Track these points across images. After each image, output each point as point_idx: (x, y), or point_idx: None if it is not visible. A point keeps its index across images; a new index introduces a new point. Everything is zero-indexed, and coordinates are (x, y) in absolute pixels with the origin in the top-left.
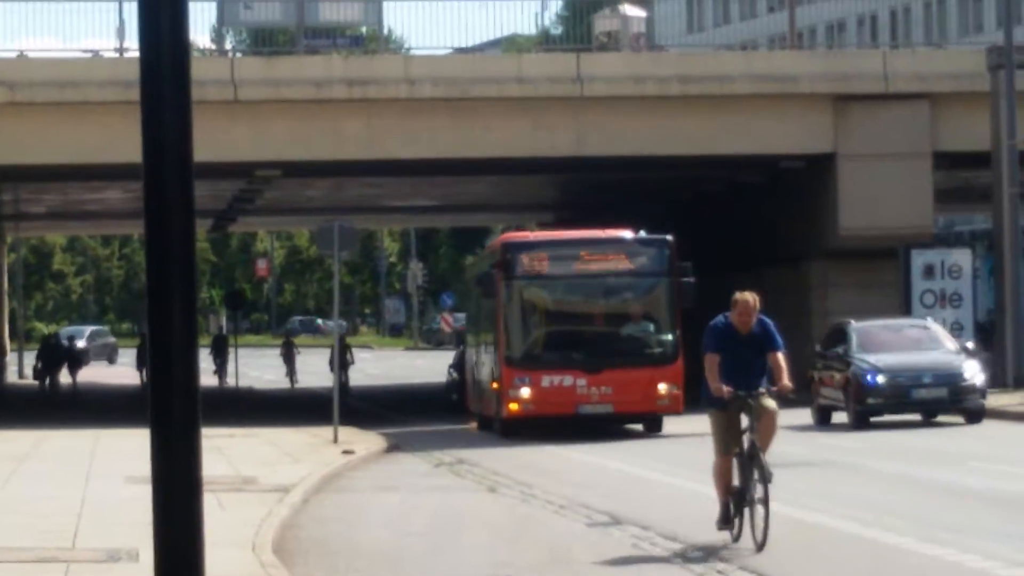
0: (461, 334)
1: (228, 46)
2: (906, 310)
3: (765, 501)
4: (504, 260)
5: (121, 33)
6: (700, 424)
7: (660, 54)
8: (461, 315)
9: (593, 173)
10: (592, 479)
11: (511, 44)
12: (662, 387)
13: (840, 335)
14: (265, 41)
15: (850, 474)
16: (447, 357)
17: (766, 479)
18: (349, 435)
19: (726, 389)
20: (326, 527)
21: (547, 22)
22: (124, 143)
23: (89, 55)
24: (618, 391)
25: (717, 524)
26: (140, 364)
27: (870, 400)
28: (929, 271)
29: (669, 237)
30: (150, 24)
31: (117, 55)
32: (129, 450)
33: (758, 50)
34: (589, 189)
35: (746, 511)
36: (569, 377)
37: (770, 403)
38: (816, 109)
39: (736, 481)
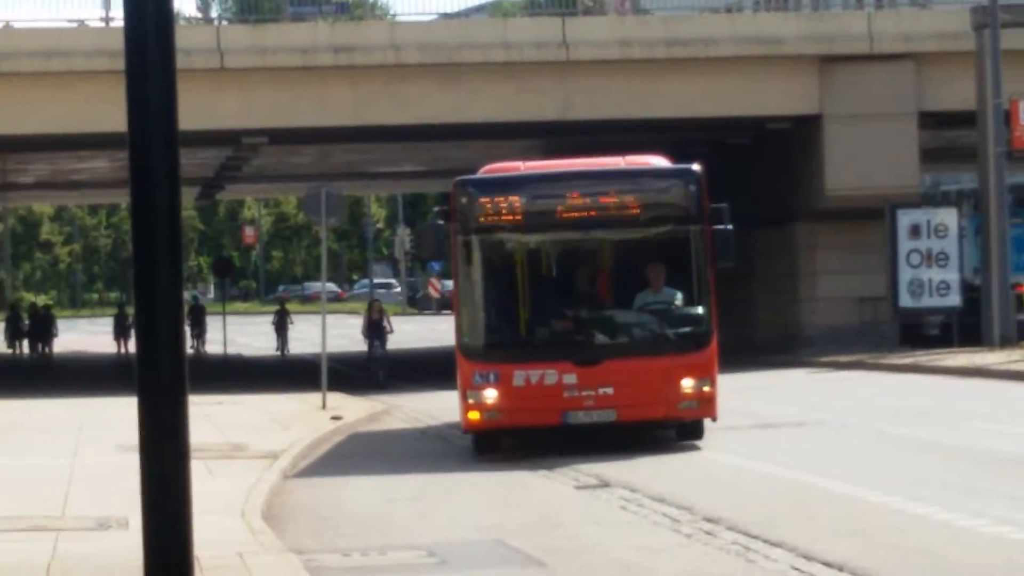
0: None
1: (214, 14)
2: (892, 269)
3: None
4: (458, 206)
5: (107, 1)
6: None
7: (645, 17)
8: (450, 281)
9: (579, 137)
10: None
11: (497, 9)
12: (688, 383)
13: None
14: (251, 9)
15: (841, 434)
16: (434, 322)
17: None
18: (338, 401)
19: None
20: (315, 493)
21: None
22: (111, 112)
23: (75, 24)
24: (624, 390)
25: None
26: (118, 333)
27: None
28: (915, 231)
29: (697, 167)
30: None
31: (103, 24)
32: (118, 418)
33: (743, 12)
34: (576, 152)
35: None
36: (553, 372)
37: None
38: (802, 70)
39: None
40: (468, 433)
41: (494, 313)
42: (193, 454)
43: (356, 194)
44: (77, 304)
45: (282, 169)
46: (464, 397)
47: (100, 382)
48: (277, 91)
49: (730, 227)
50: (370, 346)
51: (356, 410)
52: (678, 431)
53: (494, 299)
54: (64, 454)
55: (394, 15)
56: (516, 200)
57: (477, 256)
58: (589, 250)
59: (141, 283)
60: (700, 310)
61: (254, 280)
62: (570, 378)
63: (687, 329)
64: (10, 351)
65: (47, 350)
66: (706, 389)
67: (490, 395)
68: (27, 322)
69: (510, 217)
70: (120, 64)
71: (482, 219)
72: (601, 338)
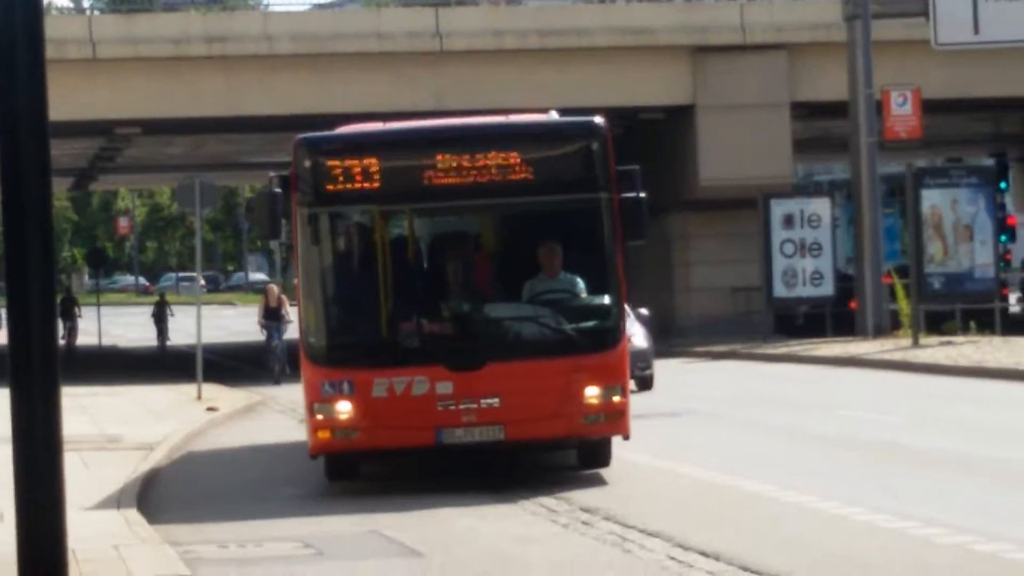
0: None
1: (86, 4)
2: (766, 259)
3: None
4: (300, 171)
5: None
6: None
7: (518, 8)
8: None
9: None
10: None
11: None
12: (592, 392)
13: None
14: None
15: (714, 424)
16: None
17: None
18: (214, 392)
19: None
20: (191, 484)
21: None
22: None
23: None
24: (512, 401)
25: None
26: None
27: None
28: (788, 220)
29: (600, 120)
30: None
31: None
32: None
33: (616, 3)
34: None
35: None
36: (423, 379)
37: None
38: (674, 61)
39: None
40: (317, 457)
41: (347, 306)
42: (67, 446)
43: (230, 184)
44: None
45: (156, 159)
46: (310, 412)
47: None
48: (150, 81)
49: (642, 195)
50: (268, 336)
51: (232, 401)
52: (580, 456)
53: (347, 289)
54: None
55: (267, 5)
56: (373, 163)
57: (325, 234)
58: (467, 226)
59: (12, 274)
60: (606, 300)
61: (128, 272)
62: (444, 387)
63: (590, 324)
64: None
65: None
66: (616, 399)
67: (343, 409)
68: None
69: (366, 184)
70: None
71: (331, 187)
72: (483, 337)
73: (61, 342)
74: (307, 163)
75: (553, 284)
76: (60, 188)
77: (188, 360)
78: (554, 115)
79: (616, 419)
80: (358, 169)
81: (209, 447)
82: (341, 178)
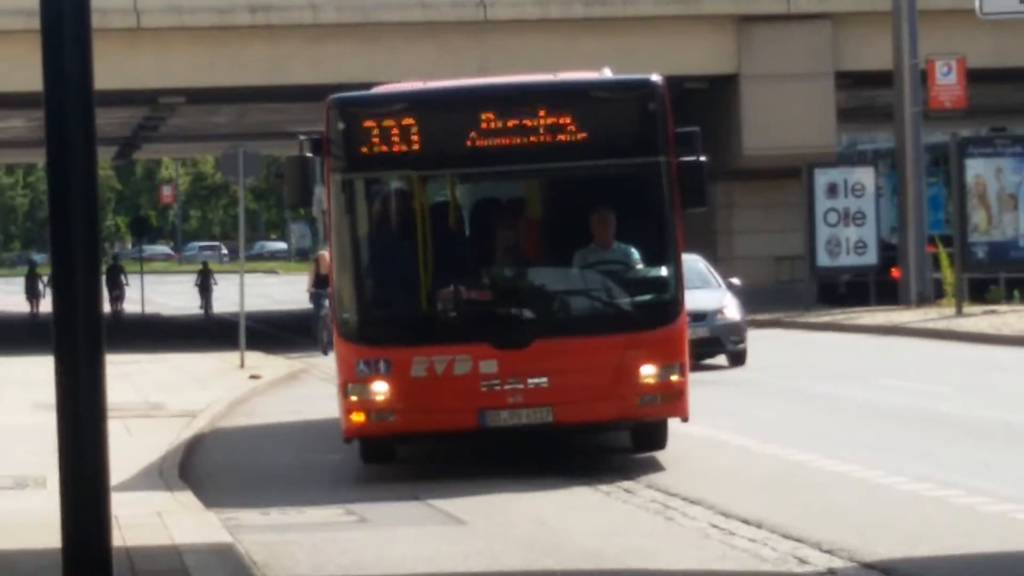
0: None
1: None
2: (810, 229)
3: None
4: (333, 133)
5: None
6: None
7: None
8: None
9: None
10: None
11: None
12: (649, 371)
13: None
14: None
15: (756, 393)
16: None
17: None
18: (257, 360)
19: None
20: (233, 451)
21: None
22: (27, 72)
23: None
24: (562, 381)
25: None
26: (30, 293)
27: None
28: (832, 190)
29: (657, 77)
30: None
31: None
32: (34, 377)
33: None
34: None
35: None
36: (465, 358)
37: None
38: (719, 30)
39: None
40: (350, 441)
41: (384, 280)
42: (111, 413)
43: (274, 154)
44: None
45: (200, 129)
46: (344, 392)
47: (14, 341)
48: (194, 51)
49: (702, 159)
50: (317, 305)
51: (275, 369)
52: (633, 438)
53: (383, 261)
54: None
55: None
56: (412, 124)
57: (360, 201)
58: (513, 193)
59: (57, 243)
60: (664, 272)
61: (171, 239)
62: (489, 366)
63: (646, 297)
64: None
65: None
66: (674, 378)
67: (379, 390)
68: None
69: (404, 147)
70: (36, 24)
71: (366, 150)
72: (530, 312)
73: (108, 309)
74: (340, 124)
75: (606, 255)
76: (104, 157)
77: (231, 328)
78: (607, 73)
79: (674, 399)
80: (395, 130)
81: (251, 414)
82: (377, 140)
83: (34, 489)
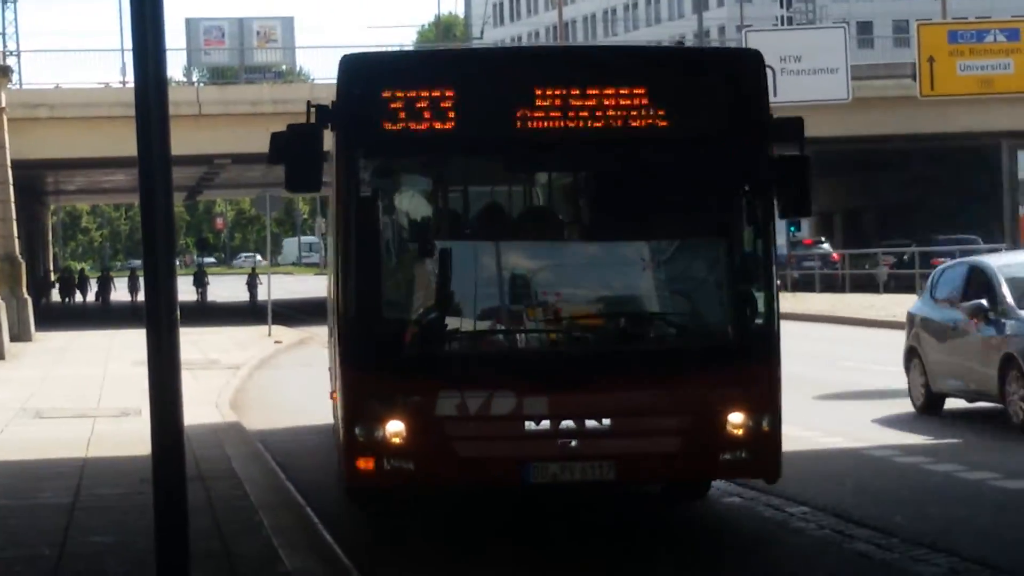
0: None
1: (194, 78)
2: None
3: None
4: (344, 106)
5: (123, 70)
6: None
7: None
8: None
9: None
10: None
11: None
12: (737, 419)
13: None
14: (219, 75)
15: None
16: None
17: None
18: (280, 332)
19: None
20: (264, 392)
21: None
22: (126, 143)
23: (102, 86)
24: (628, 428)
25: None
26: (131, 289)
27: None
28: None
29: (756, 51)
30: (141, 66)
31: (121, 85)
32: (133, 343)
33: None
34: None
35: None
36: (507, 395)
37: None
38: None
39: None
40: (352, 488)
41: (402, 292)
42: (183, 366)
43: (289, 196)
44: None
45: (240, 180)
46: (349, 430)
47: (120, 320)
48: (236, 129)
49: (807, 155)
50: None
51: (290, 337)
52: (665, 489)
53: (403, 267)
54: (98, 366)
55: (313, 80)
56: (446, 94)
57: (377, 191)
58: (570, 188)
59: (148, 255)
60: (758, 296)
61: (223, 253)
62: (536, 405)
63: (737, 328)
64: (63, 301)
65: (99, 298)
66: (766, 428)
67: (396, 431)
68: (79, 281)
69: (435, 124)
70: (132, 111)
71: (387, 125)
72: (591, 340)
73: (195, 299)
74: (355, 91)
75: (688, 274)
76: (178, 200)
77: (263, 311)
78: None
79: (765, 455)
80: (424, 102)
81: (276, 367)
82: (402, 114)
83: (133, 416)
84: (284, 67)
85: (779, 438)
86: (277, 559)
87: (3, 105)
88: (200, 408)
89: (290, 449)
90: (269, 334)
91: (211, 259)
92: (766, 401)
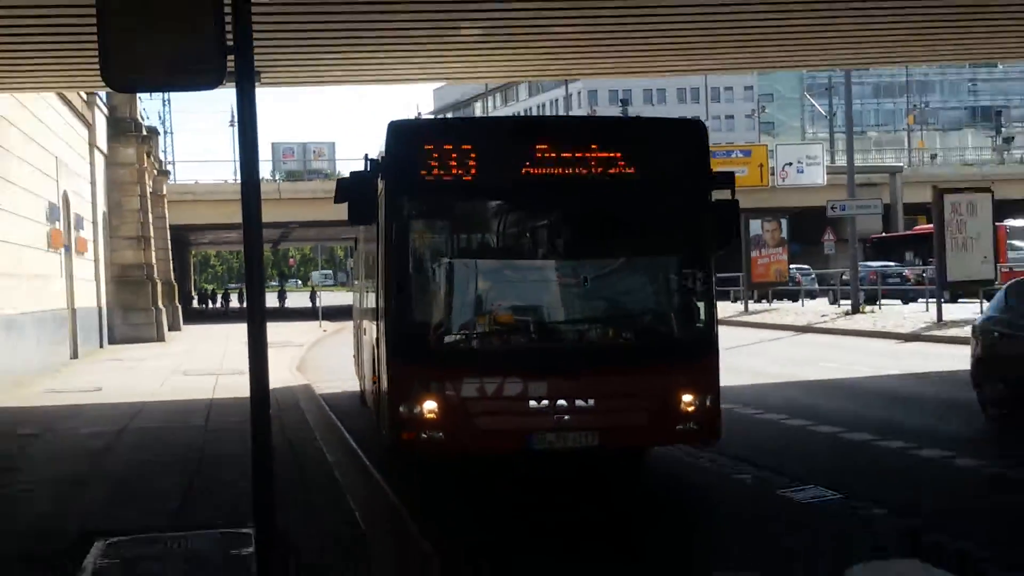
0: None
1: (276, 177)
2: None
3: None
4: (390, 160)
5: (235, 172)
6: None
7: None
8: None
9: None
10: None
11: None
12: (689, 399)
13: None
14: (291, 176)
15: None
16: None
17: None
18: (327, 324)
19: None
20: (317, 360)
21: None
22: (237, 215)
23: (223, 181)
24: (609, 406)
25: None
26: (240, 300)
27: None
28: None
29: (699, 121)
30: (246, 170)
31: (234, 182)
32: (241, 332)
33: None
34: None
35: None
36: (516, 381)
37: None
38: None
39: None
40: (395, 450)
41: (435, 303)
42: (269, 345)
43: (337, 246)
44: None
45: (307, 236)
46: (394, 408)
47: (233, 319)
48: (304, 208)
49: (736, 199)
50: None
51: (334, 327)
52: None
53: (439, 285)
54: (220, 345)
55: None
56: (468, 151)
57: (416, 225)
58: (562, 223)
59: (249, 281)
60: (704, 308)
61: (295, 280)
62: (538, 388)
63: (688, 332)
64: (201, 306)
65: (223, 305)
66: (709, 404)
67: (431, 409)
68: (207, 295)
69: (461, 172)
70: (237, 194)
71: (425, 174)
72: (580, 341)
73: (277, 305)
74: (397, 149)
75: (653, 290)
76: (266, 247)
77: (315, 312)
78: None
79: (709, 425)
80: (451, 157)
81: (324, 345)
82: (434, 165)
83: (242, 375)
84: (328, 172)
85: (719, 412)
86: (324, 455)
87: (164, 193)
88: (279, 372)
89: (333, 394)
90: (320, 326)
91: (292, 281)
92: (709, 385)
